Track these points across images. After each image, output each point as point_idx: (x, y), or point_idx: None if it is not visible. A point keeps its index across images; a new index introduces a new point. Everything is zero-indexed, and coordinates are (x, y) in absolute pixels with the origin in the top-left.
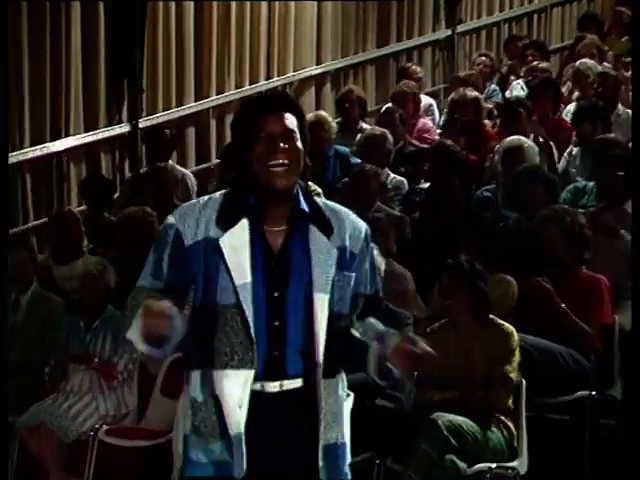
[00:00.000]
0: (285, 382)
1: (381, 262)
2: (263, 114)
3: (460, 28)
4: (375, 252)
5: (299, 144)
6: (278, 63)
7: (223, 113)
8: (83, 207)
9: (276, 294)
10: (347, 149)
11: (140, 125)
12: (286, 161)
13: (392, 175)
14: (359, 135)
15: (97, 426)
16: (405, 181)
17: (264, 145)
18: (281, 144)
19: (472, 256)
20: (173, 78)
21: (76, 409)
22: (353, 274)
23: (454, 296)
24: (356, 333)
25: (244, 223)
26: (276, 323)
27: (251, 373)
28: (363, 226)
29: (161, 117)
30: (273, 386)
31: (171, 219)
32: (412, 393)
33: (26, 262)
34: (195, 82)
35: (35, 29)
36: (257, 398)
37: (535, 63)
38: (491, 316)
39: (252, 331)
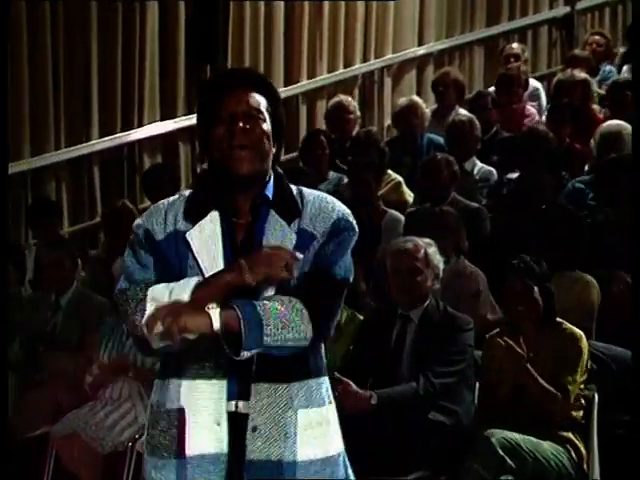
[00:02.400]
0: None
1: (439, 261)
2: (226, 93)
3: (580, 5)
4: (432, 250)
5: (265, 125)
6: (376, 44)
7: (314, 99)
8: None
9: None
10: (442, 139)
11: None
12: (246, 143)
13: (480, 165)
14: None
15: (136, 437)
16: (494, 171)
17: (224, 126)
18: (241, 124)
19: (556, 253)
20: (261, 61)
21: (112, 419)
22: (301, 256)
23: (519, 297)
24: None
25: (214, 215)
26: None
27: (224, 383)
28: (338, 211)
29: None
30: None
31: (138, 220)
32: (472, 405)
33: (64, 262)
34: (284, 66)
35: (106, 12)
36: (233, 420)
37: None
38: (558, 319)
39: None
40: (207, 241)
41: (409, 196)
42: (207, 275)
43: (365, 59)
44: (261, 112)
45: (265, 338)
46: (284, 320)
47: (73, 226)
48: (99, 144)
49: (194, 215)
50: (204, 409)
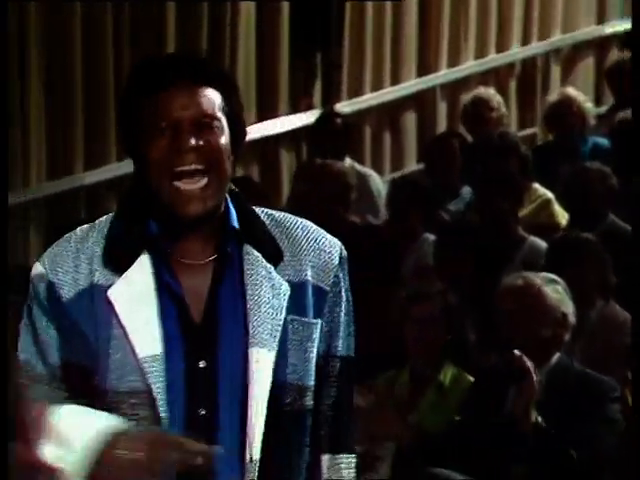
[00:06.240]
0: None
1: (565, 304)
2: (163, 90)
3: None
4: (551, 288)
5: (224, 139)
6: (539, 23)
7: (457, 93)
8: None
9: (202, 364)
10: None
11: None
12: (200, 167)
13: None
14: None
15: None
16: None
17: (165, 140)
18: (192, 140)
19: None
20: (387, 45)
21: None
22: (319, 321)
23: None
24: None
25: (144, 261)
26: (202, 412)
27: None
28: (334, 247)
29: (367, 101)
30: None
31: (39, 267)
32: None
33: None
34: (418, 51)
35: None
36: None
37: None
38: None
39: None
40: (137, 301)
41: (563, 217)
42: (139, 353)
43: (525, 42)
44: (217, 118)
45: None
46: None
47: None
48: None
49: (117, 260)
50: None
